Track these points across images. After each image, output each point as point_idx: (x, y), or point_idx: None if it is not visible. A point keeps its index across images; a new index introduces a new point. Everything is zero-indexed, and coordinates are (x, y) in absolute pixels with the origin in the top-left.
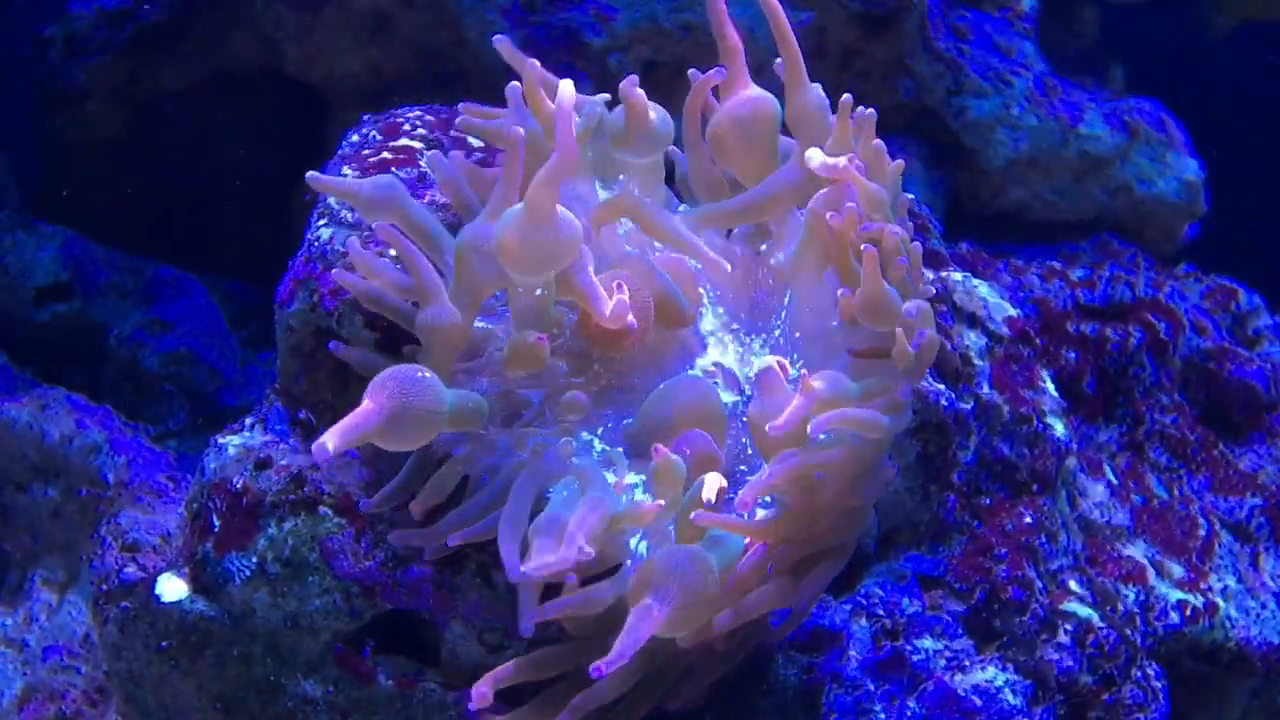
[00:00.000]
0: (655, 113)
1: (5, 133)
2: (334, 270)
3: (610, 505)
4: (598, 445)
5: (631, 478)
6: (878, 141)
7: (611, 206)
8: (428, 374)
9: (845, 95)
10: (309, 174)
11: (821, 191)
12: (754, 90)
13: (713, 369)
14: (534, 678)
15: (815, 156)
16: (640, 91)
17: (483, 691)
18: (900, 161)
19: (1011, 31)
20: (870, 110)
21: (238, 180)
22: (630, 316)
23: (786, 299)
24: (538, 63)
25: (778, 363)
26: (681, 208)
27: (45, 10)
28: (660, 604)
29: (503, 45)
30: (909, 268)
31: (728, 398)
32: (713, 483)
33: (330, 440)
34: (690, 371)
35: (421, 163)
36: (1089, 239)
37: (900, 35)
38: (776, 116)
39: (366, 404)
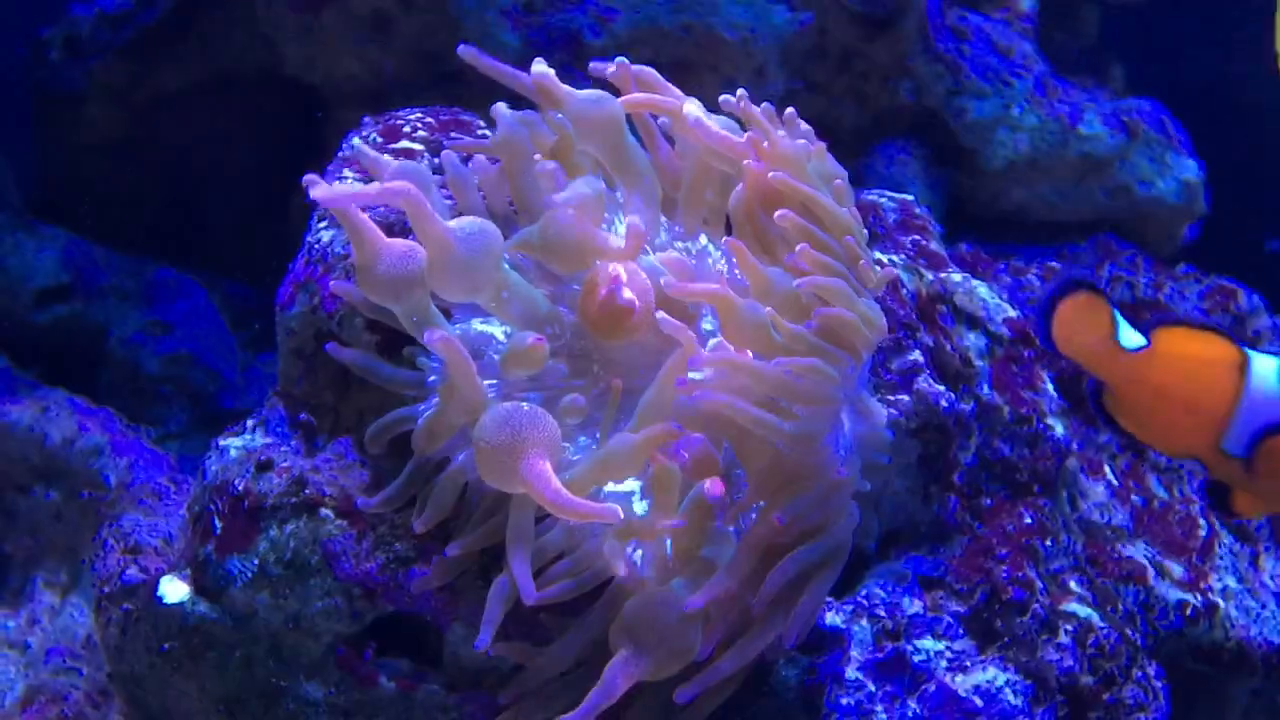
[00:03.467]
0: (584, 93)
1: (5, 135)
2: (332, 282)
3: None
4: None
5: (630, 484)
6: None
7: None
8: (525, 405)
9: (740, 91)
10: (355, 142)
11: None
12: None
13: None
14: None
15: (692, 109)
16: (548, 72)
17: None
18: (821, 145)
19: (1011, 32)
20: (790, 109)
21: (238, 181)
22: (628, 293)
23: None
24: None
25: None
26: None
27: (45, 12)
28: (638, 655)
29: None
30: (846, 251)
31: None
32: (713, 486)
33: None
34: (691, 374)
35: (422, 164)
36: (1089, 239)
37: (900, 36)
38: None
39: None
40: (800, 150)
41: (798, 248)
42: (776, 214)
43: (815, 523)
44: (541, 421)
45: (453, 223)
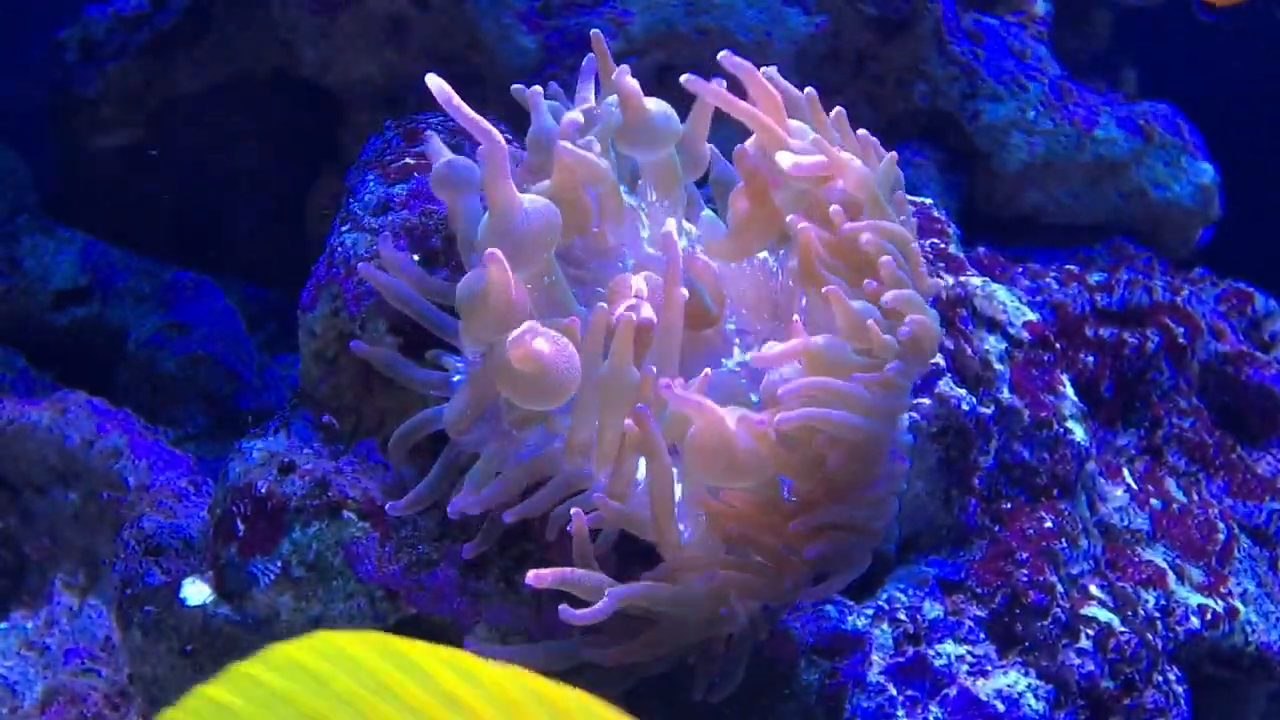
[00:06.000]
0: (654, 104)
1: (22, 137)
2: (361, 265)
3: None
4: None
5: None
6: (861, 131)
7: None
8: None
9: (809, 90)
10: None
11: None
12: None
13: (738, 370)
14: None
15: (785, 159)
16: (633, 81)
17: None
18: (893, 154)
19: (1026, 35)
20: (839, 108)
21: (253, 183)
22: (647, 310)
23: (803, 301)
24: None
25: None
26: (705, 212)
27: (60, 14)
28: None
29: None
30: (908, 266)
31: (755, 398)
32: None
33: None
34: (718, 370)
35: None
36: (1104, 242)
37: (915, 39)
38: None
39: None
40: (872, 171)
41: (881, 261)
42: (863, 239)
43: (859, 521)
44: None
45: (525, 196)
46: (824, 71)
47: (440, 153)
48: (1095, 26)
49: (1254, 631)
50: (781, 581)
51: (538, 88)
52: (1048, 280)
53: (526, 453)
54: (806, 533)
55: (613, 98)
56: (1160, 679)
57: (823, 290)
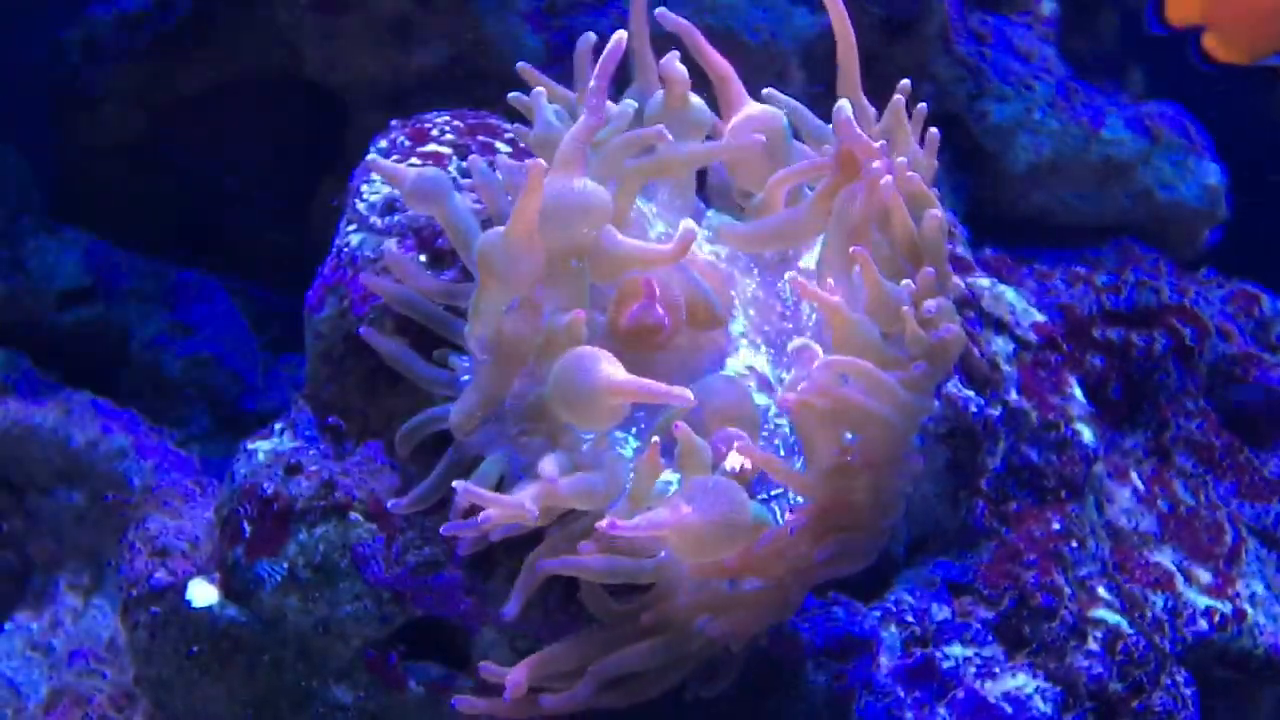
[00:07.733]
0: (695, 98)
1: (25, 137)
2: (362, 275)
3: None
4: (631, 443)
5: (667, 475)
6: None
7: (641, 170)
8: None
9: (904, 82)
10: (370, 157)
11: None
12: (755, 107)
13: (745, 371)
14: (572, 666)
15: (846, 107)
16: (682, 67)
17: (516, 680)
18: (934, 162)
19: (1033, 35)
20: (922, 105)
21: (257, 183)
22: (659, 308)
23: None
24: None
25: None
26: (710, 212)
27: (63, 14)
28: (692, 506)
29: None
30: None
31: (760, 400)
32: (734, 459)
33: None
34: (722, 373)
35: (450, 167)
36: (1111, 243)
37: (922, 40)
38: (786, 128)
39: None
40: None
41: (924, 272)
42: (924, 221)
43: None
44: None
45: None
46: (829, 72)
47: (403, 176)
48: (1102, 27)
49: (1262, 634)
50: (788, 598)
51: (539, 90)
52: (1055, 281)
53: (530, 457)
54: (815, 535)
55: (628, 103)
56: (1169, 681)
57: (850, 250)
